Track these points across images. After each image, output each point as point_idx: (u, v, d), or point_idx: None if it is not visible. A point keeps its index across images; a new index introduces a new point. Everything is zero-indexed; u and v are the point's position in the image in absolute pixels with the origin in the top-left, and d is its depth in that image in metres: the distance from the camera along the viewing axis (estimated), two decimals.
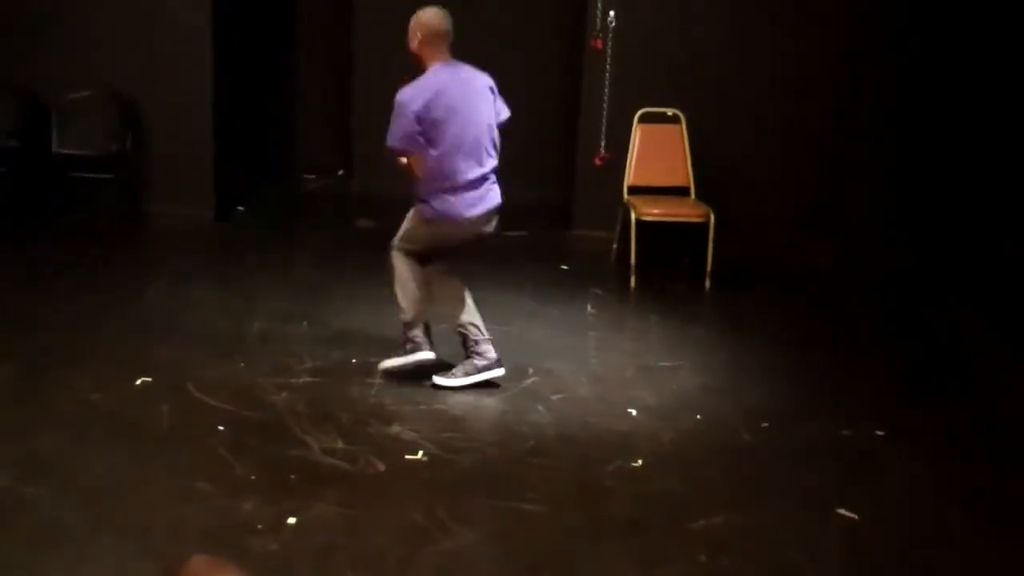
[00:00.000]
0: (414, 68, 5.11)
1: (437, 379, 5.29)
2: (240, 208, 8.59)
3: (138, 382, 5.19)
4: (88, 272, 6.97)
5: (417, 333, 5.30)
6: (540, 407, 5.16)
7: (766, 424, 5.06)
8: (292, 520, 4.02)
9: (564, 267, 7.58)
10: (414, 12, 5.08)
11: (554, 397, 5.28)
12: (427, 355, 5.29)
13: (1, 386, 5.11)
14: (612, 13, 7.86)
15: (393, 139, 5.02)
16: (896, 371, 5.93)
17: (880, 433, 5.03)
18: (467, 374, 5.27)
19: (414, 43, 5.08)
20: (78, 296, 6.46)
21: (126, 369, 5.31)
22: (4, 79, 8.10)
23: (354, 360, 5.60)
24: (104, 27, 8.10)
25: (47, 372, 5.28)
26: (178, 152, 8.23)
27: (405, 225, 5.29)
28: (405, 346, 5.32)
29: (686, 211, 7.29)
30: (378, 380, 5.35)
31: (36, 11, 8.10)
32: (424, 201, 5.13)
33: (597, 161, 8.06)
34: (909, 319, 6.86)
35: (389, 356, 5.36)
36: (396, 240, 5.29)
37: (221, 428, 4.76)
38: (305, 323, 6.09)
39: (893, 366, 6.01)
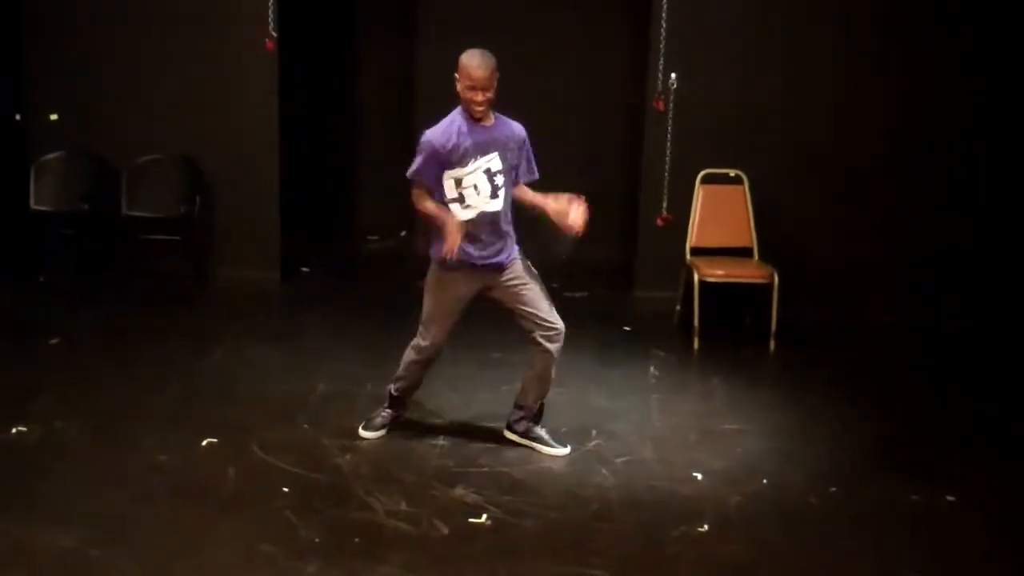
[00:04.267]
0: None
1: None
2: (305, 269, 8.69)
3: (204, 443, 5.24)
4: (155, 333, 7.06)
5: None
6: (604, 470, 5.12)
7: (834, 489, 4.99)
8: None
9: (626, 328, 7.56)
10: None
11: (618, 460, 5.24)
12: None
13: (69, 446, 5.18)
14: (674, 75, 7.89)
15: None
16: (966, 434, 5.82)
17: (951, 498, 4.94)
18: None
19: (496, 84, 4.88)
20: (145, 356, 6.54)
21: (192, 430, 5.36)
22: (76, 144, 8.29)
23: (417, 421, 5.61)
24: (172, 92, 8.28)
25: (114, 432, 5.34)
26: (244, 214, 8.35)
27: (541, 293, 5.13)
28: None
29: (750, 272, 7.25)
30: (441, 441, 5.36)
31: (107, 78, 8.29)
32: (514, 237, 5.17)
33: (659, 222, 8.05)
34: (977, 380, 6.75)
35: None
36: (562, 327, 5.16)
37: (286, 490, 4.78)
38: (369, 384, 6.11)
39: (963, 429, 5.90)
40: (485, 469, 5.07)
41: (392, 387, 5.40)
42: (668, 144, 7.99)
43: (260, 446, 5.19)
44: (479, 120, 4.88)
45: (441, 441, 5.38)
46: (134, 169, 8.25)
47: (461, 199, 4.94)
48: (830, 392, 6.36)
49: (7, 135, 8.28)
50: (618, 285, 8.55)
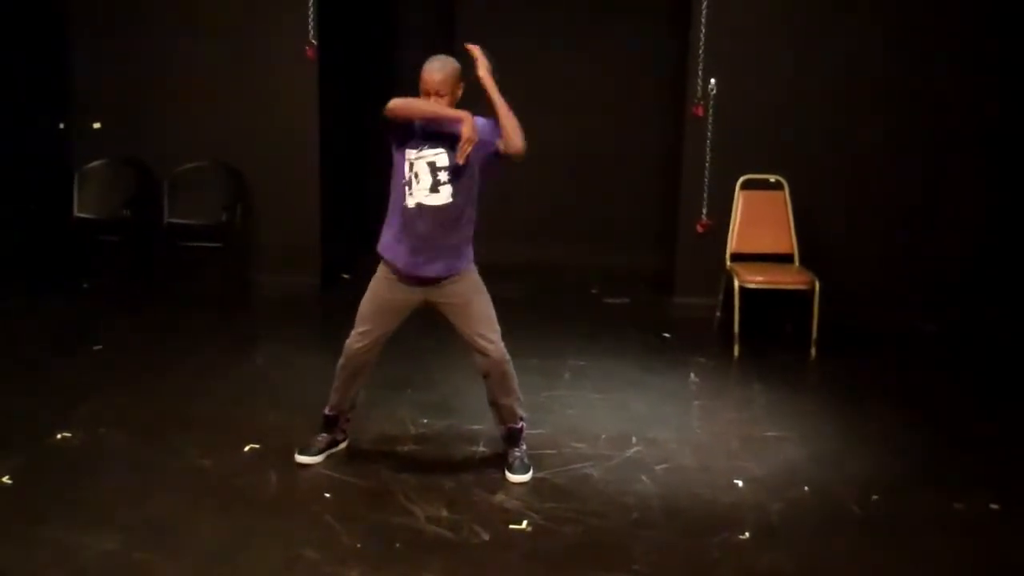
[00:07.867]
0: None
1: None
2: (345, 276, 8.71)
3: (246, 448, 5.27)
4: (197, 339, 7.12)
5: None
6: (644, 477, 5.11)
7: (876, 496, 4.95)
8: None
9: (666, 335, 7.53)
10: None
11: (658, 467, 5.23)
12: None
13: (114, 451, 5.23)
14: (713, 81, 7.87)
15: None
16: (1010, 441, 5.75)
17: (994, 507, 4.89)
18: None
19: (459, 92, 4.85)
20: (187, 362, 6.59)
21: (234, 435, 5.40)
22: (119, 152, 8.37)
23: (458, 427, 5.62)
24: (214, 100, 8.35)
25: (158, 438, 5.38)
26: (285, 221, 8.40)
27: (483, 311, 4.96)
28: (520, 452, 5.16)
29: (790, 278, 7.20)
30: (482, 448, 5.37)
31: (148, 86, 8.37)
32: (469, 253, 5.01)
33: (699, 228, 8.04)
34: (1020, 388, 6.67)
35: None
36: (500, 344, 4.94)
37: (327, 495, 4.80)
38: (409, 390, 6.14)
39: (1006, 436, 5.83)
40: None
41: (326, 407, 5.23)
42: (708, 150, 7.97)
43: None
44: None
45: (481, 448, 5.38)
46: (176, 177, 8.34)
47: (409, 184, 4.96)
48: (872, 399, 6.32)
49: (51, 143, 8.39)
50: (658, 291, 8.53)
